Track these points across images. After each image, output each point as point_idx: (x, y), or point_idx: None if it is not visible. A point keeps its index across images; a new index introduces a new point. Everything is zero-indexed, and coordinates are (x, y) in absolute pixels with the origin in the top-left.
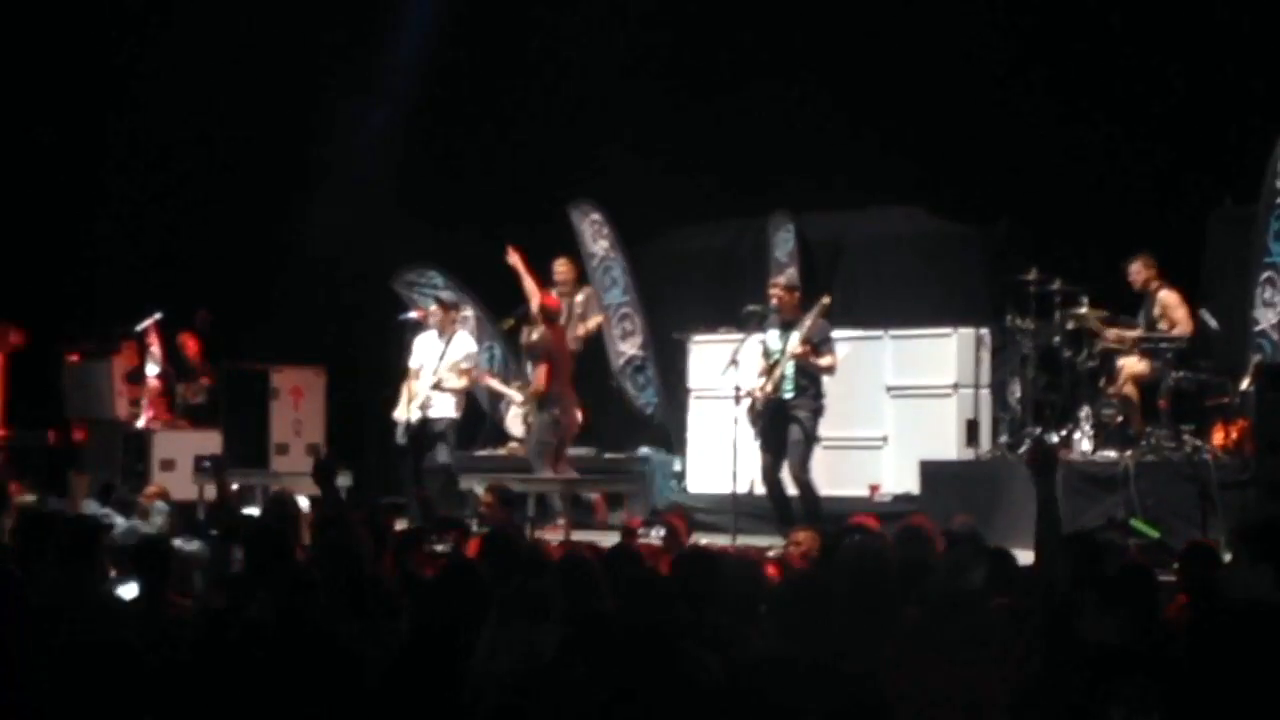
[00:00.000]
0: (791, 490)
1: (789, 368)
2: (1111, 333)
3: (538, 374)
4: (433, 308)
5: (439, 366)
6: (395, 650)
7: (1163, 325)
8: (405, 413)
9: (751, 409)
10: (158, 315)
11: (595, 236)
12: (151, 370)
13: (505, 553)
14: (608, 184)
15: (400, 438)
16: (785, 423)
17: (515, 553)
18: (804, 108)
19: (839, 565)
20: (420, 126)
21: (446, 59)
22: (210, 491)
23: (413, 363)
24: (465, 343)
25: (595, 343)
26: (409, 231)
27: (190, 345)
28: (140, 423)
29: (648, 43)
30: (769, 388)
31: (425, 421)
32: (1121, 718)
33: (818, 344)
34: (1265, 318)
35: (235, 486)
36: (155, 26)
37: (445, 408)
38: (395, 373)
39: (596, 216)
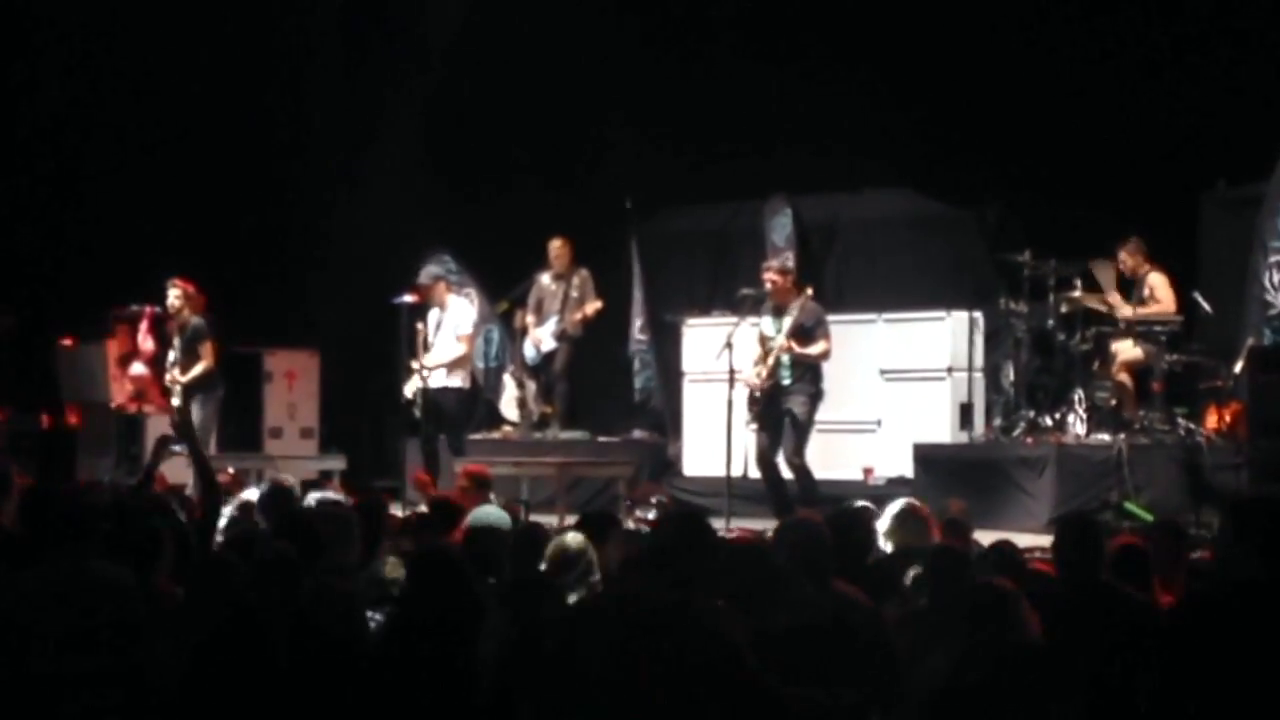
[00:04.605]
0: (787, 474)
1: (784, 355)
2: (1114, 297)
3: (206, 352)
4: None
5: (437, 338)
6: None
7: (1151, 306)
8: (413, 388)
9: (750, 397)
10: (151, 309)
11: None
12: (139, 359)
13: (488, 536)
14: (605, 163)
15: (416, 412)
16: (781, 409)
17: (499, 536)
18: (798, 88)
19: (779, 539)
20: (417, 106)
21: (445, 35)
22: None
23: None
24: (461, 309)
25: (591, 326)
26: (405, 213)
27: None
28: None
29: (642, 21)
30: (764, 374)
31: (426, 393)
32: None
33: (810, 329)
34: None
35: (231, 470)
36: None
37: (442, 377)
38: (390, 356)
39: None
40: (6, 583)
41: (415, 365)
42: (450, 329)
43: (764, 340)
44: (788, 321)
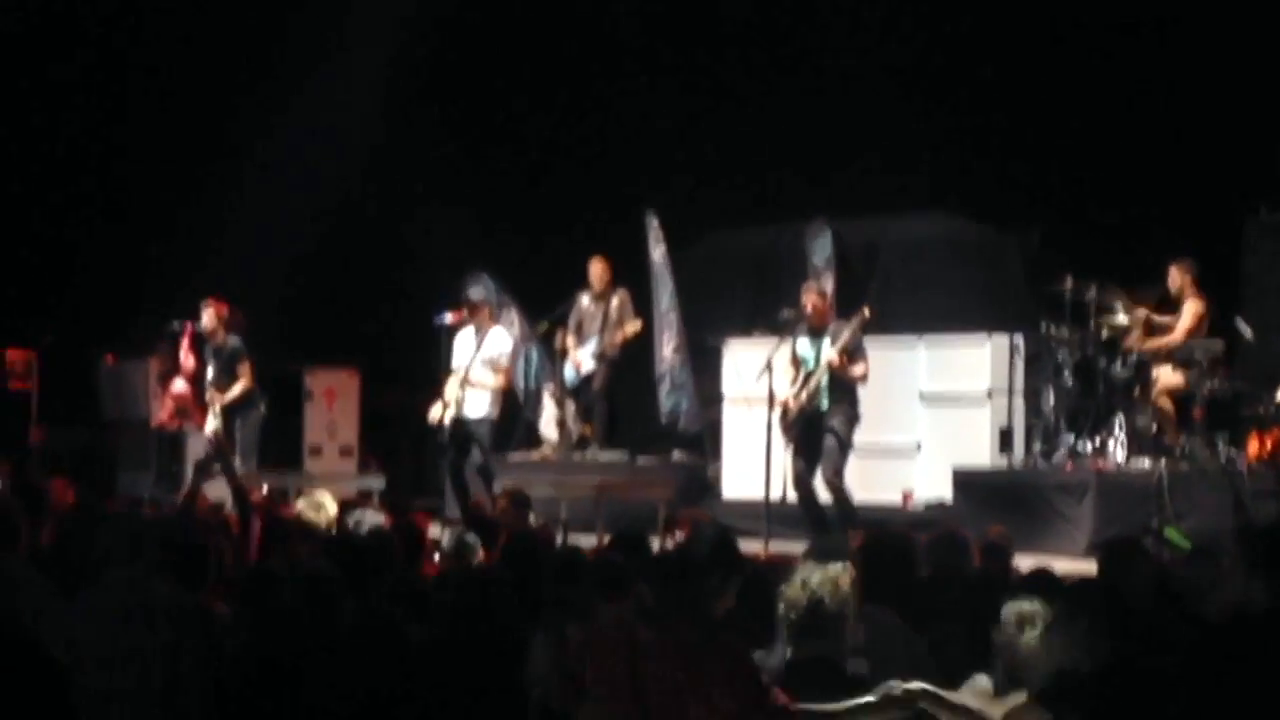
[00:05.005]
0: (824, 497)
1: (824, 377)
2: (1134, 336)
3: (244, 372)
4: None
5: (472, 364)
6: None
7: (1165, 335)
8: (440, 412)
9: (784, 418)
10: (192, 326)
11: (655, 242)
12: (180, 376)
13: (528, 556)
14: (649, 187)
15: (442, 436)
16: (820, 431)
17: (537, 556)
18: (841, 110)
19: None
20: (458, 127)
21: (492, 58)
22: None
23: (454, 362)
24: (500, 339)
25: (631, 347)
26: (447, 233)
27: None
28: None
29: (687, 48)
30: (804, 397)
31: (460, 421)
32: None
33: (852, 351)
34: None
35: (265, 488)
36: (195, 24)
37: (480, 406)
38: (430, 375)
39: (656, 223)
40: (66, 599)
41: (448, 395)
42: (487, 357)
43: (799, 361)
44: (827, 342)
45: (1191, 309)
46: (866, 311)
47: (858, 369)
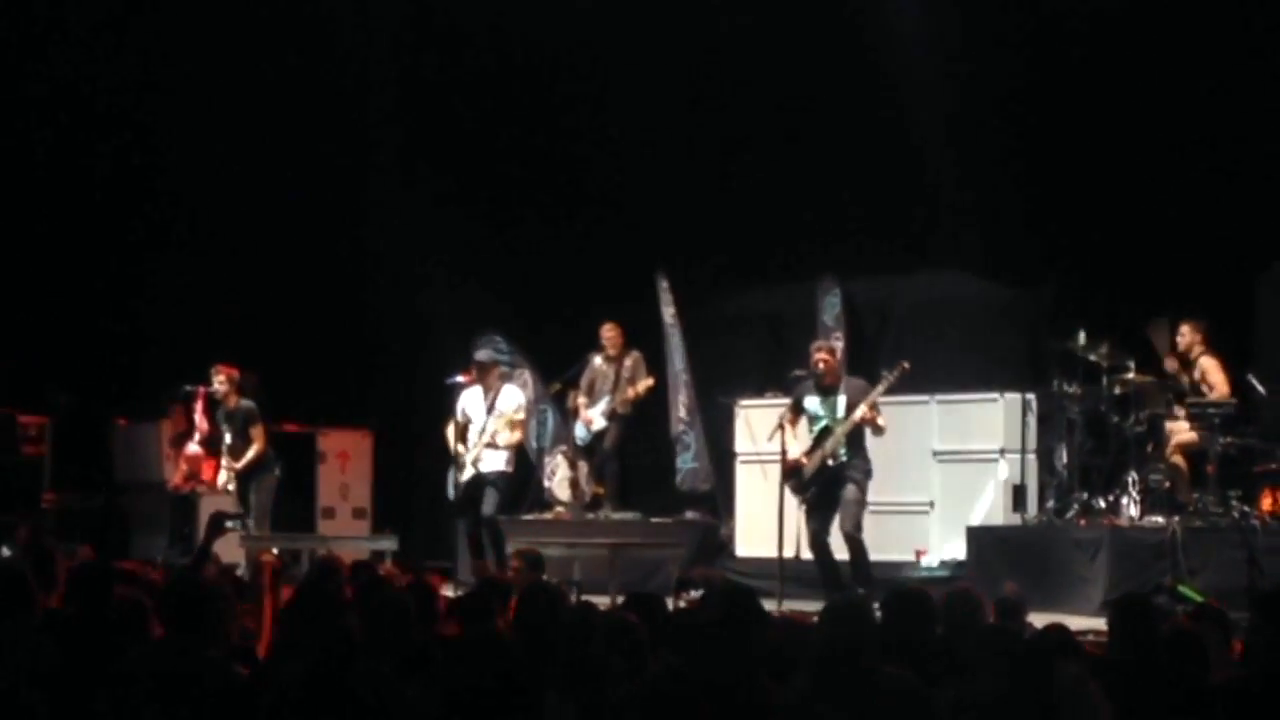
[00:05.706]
0: (839, 554)
1: (843, 436)
2: (1171, 363)
3: (257, 435)
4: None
5: (488, 422)
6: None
7: (1203, 389)
8: (455, 469)
9: (794, 476)
10: (205, 389)
11: (665, 303)
12: (194, 439)
13: (542, 617)
14: (658, 247)
15: (451, 493)
16: (839, 485)
17: (553, 616)
18: (854, 171)
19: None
20: (470, 191)
21: (503, 124)
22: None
23: (459, 418)
24: (514, 395)
25: (640, 407)
26: (457, 294)
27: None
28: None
29: (699, 108)
30: (823, 452)
31: (478, 476)
32: None
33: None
34: None
35: (275, 551)
36: (204, 93)
37: (496, 462)
38: (443, 436)
39: (665, 284)
40: (131, 662)
41: (463, 454)
42: (501, 414)
43: (812, 419)
44: (843, 399)
45: (1214, 364)
46: (906, 365)
47: (882, 420)
